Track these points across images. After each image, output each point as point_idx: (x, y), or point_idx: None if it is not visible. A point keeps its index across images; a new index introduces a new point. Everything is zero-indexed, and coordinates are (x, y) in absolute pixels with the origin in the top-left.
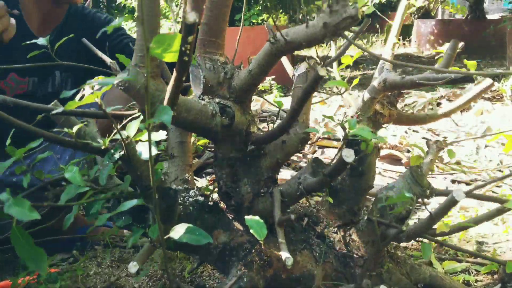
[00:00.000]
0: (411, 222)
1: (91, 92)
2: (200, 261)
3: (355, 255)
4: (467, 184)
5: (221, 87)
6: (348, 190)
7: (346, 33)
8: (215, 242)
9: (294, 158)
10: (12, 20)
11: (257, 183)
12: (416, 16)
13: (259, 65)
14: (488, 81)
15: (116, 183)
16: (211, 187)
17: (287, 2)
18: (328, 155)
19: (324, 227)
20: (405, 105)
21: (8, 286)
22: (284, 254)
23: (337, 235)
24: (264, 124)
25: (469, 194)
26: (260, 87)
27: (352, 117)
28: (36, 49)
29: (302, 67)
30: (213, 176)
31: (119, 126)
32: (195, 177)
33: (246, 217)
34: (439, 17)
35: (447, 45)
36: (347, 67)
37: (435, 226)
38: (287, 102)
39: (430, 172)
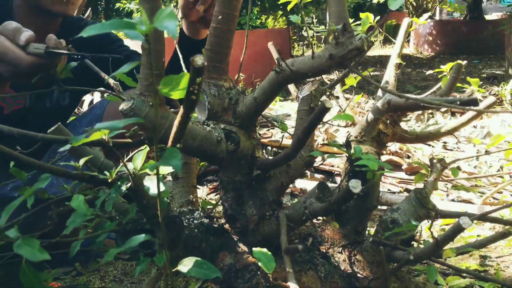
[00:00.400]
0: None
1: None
2: (203, 279)
3: (360, 275)
4: (467, 191)
5: (226, 113)
6: (353, 210)
7: None
8: (220, 264)
9: None
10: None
11: (262, 206)
12: (414, 17)
13: (265, 92)
14: (491, 98)
15: (123, 209)
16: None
17: (285, 4)
18: (329, 162)
19: (328, 247)
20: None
21: None
22: (293, 285)
23: (342, 255)
24: (265, 130)
25: (476, 219)
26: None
27: (356, 137)
28: None
29: (306, 89)
30: (214, 184)
31: (119, 153)
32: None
33: (254, 249)
34: (437, 16)
35: (449, 64)
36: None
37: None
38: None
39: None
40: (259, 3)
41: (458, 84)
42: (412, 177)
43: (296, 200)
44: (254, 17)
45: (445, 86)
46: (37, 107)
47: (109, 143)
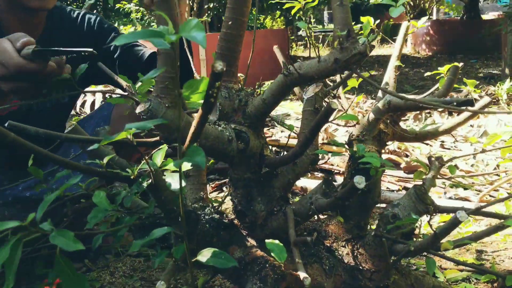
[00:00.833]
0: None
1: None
2: (213, 273)
3: (363, 268)
4: (465, 189)
5: (236, 114)
6: (355, 206)
7: None
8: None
9: None
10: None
11: (270, 202)
12: (412, 16)
13: (273, 94)
14: (487, 99)
15: (141, 206)
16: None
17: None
18: (329, 161)
19: (332, 241)
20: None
21: None
22: (302, 274)
23: (346, 249)
24: (265, 130)
25: (471, 213)
26: (260, 91)
27: (357, 136)
28: None
29: (311, 90)
30: (216, 182)
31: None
32: None
33: (266, 241)
34: (434, 16)
35: (446, 66)
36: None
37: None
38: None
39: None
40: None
41: (455, 85)
42: (410, 176)
43: (297, 197)
44: (253, 18)
45: (443, 87)
46: (34, 107)
47: (133, 142)
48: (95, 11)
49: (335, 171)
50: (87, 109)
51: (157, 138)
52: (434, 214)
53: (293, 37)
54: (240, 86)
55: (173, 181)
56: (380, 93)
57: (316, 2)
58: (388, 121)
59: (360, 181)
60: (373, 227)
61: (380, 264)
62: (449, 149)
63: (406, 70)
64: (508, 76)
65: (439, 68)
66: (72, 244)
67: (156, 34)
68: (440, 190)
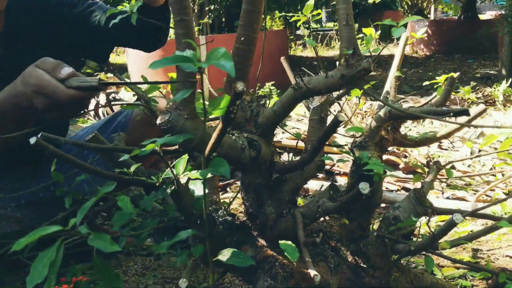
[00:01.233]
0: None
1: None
2: (224, 271)
3: (366, 266)
4: (462, 189)
5: (248, 124)
6: (358, 209)
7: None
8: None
9: None
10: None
11: (280, 205)
12: (410, 15)
13: (283, 106)
14: (482, 106)
15: (158, 209)
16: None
17: (283, 5)
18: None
19: (337, 241)
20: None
21: None
22: (312, 272)
23: (349, 249)
24: None
25: (468, 215)
26: (260, 92)
27: (360, 142)
28: None
29: (316, 100)
30: (220, 183)
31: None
32: None
33: (280, 242)
34: (431, 15)
35: (444, 76)
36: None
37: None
38: None
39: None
40: None
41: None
42: (409, 176)
43: (299, 198)
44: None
45: (440, 96)
46: None
47: (160, 153)
48: None
49: (336, 171)
50: (90, 109)
51: (176, 146)
52: (432, 215)
53: (292, 37)
54: (251, 97)
55: (196, 188)
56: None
57: (320, 16)
58: (389, 128)
59: (364, 187)
60: (375, 227)
61: (382, 263)
62: (446, 149)
63: (404, 70)
64: (504, 77)
65: (437, 68)
66: (108, 246)
67: (186, 60)
68: (437, 190)
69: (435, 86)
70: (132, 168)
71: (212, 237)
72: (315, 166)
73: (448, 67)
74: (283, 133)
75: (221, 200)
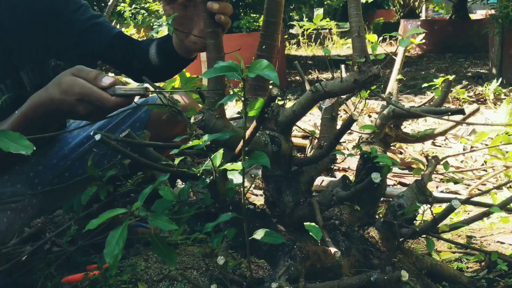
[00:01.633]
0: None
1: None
2: (241, 256)
3: (373, 249)
4: (456, 182)
5: (269, 122)
6: (366, 198)
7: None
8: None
9: None
10: None
11: (297, 195)
12: (402, 14)
13: (302, 107)
14: (475, 106)
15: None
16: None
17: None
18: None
19: (347, 227)
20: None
21: (80, 279)
22: (333, 249)
23: (358, 233)
24: None
25: (463, 202)
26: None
27: (366, 139)
28: None
29: (328, 101)
30: None
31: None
32: None
33: (305, 224)
34: (423, 14)
35: (441, 79)
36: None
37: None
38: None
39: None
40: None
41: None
42: (405, 171)
43: None
44: (252, 20)
45: (439, 98)
46: (18, 95)
47: (204, 148)
48: None
49: (334, 168)
50: None
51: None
52: (432, 203)
53: (286, 36)
54: None
55: (235, 178)
56: (385, 101)
57: (330, 25)
58: (392, 125)
59: (376, 177)
60: (380, 215)
61: (388, 246)
62: (440, 146)
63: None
64: (495, 76)
65: (429, 67)
66: (167, 225)
67: (232, 69)
68: (432, 184)
69: (432, 88)
70: (176, 161)
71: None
72: (328, 159)
73: (440, 66)
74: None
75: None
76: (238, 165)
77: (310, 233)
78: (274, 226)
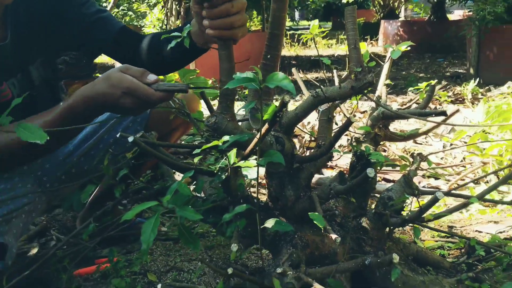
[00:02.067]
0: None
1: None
2: (244, 247)
3: (365, 238)
4: (436, 178)
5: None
6: (359, 191)
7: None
8: (268, 231)
9: None
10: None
11: (297, 189)
12: (382, 15)
13: (304, 110)
14: (455, 107)
15: (210, 193)
16: None
17: (260, 4)
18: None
19: (342, 218)
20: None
21: (93, 271)
22: (334, 236)
23: (352, 224)
24: None
25: (447, 195)
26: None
27: (358, 138)
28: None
29: (325, 104)
30: None
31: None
32: None
33: (310, 213)
34: (402, 14)
35: (425, 83)
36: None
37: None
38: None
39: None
40: None
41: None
42: (389, 168)
43: None
44: None
45: (423, 101)
46: (25, 92)
47: (222, 148)
48: None
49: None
50: None
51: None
52: (418, 196)
53: None
54: (274, 102)
55: (249, 173)
56: (374, 104)
57: (325, 34)
58: (381, 126)
59: (371, 172)
60: (372, 206)
61: (378, 234)
62: (421, 144)
63: (379, 69)
64: (472, 76)
65: (410, 67)
66: (193, 215)
67: (250, 80)
68: (415, 180)
69: (417, 92)
70: (196, 160)
71: (251, 214)
72: (326, 157)
73: (420, 66)
74: None
75: None
76: (251, 162)
77: (314, 222)
78: (276, 218)
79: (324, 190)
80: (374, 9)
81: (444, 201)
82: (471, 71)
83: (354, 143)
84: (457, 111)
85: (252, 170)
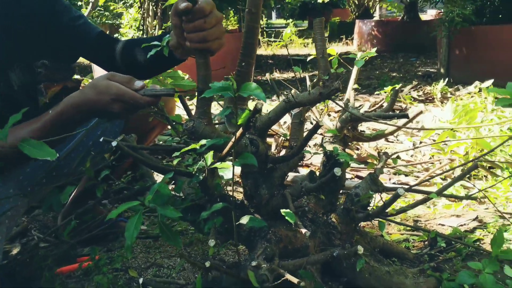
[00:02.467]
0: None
1: None
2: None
3: (335, 232)
4: (406, 175)
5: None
6: (329, 189)
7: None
8: (244, 227)
9: None
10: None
11: (271, 188)
12: (357, 14)
13: (276, 114)
14: (421, 107)
15: (189, 193)
16: None
17: (236, 2)
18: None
19: (313, 214)
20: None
21: (75, 269)
22: (304, 230)
23: (322, 219)
24: None
25: (408, 190)
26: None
27: (329, 139)
28: None
29: (296, 108)
30: None
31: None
32: None
33: (282, 210)
34: (377, 13)
35: (389, 87)
36: None
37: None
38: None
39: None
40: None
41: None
42: (361, 166)
43: None
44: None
45: (388, 104)
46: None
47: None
48: None
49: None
50: None
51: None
52: (383, 192)
53: None
54: (248, 107)
55: (225, 174)
56: (343, 105)
57: (292, 32)
58: (350, 127)
59: (338, 171)
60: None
61: (347, 229)
62: (392, 142)
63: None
64: (443, 75)
65: (383, 66)
66: (174, 213)
67: (226, 89)
68: (385, 177)
69: (385, 95)
70: (175, 162)
71: (227, 212)
72: (298, 158)
73: (393, 65)
74: None
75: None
76: (227, 164)
77: (286, 218)
78: (251, 215)
79: (296, 188)
80: (350, 8)
81: (413, 196)
82: (442, 70)
83: (325, 144)
84: (421, 112)
85: (229, 170)
